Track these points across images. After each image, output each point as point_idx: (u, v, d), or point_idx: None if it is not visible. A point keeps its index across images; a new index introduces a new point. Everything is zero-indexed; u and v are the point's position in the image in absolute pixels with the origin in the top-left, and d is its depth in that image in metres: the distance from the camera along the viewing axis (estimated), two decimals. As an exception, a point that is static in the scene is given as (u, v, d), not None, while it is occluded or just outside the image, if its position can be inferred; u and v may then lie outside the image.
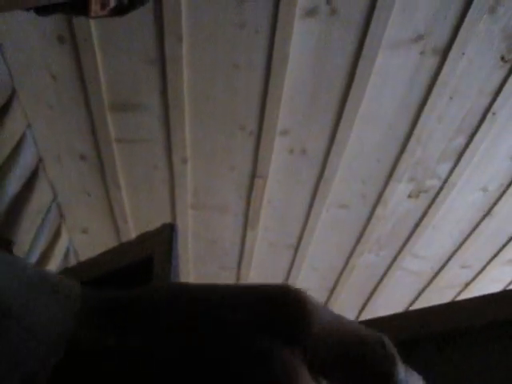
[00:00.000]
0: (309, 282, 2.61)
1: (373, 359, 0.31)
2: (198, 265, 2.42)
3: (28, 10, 0.78)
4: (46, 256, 1.91)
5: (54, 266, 1.97)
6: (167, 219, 2.01)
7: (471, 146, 1.86)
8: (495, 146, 1.88)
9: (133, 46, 1.48)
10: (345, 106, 1.66)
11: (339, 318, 0.32)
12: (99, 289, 0.35)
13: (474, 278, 2.70)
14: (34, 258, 1.79)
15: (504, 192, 2.10)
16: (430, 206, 2.15)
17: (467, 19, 1.45)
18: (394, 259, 2.50)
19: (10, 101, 1.56)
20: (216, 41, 1.47)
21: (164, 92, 1.60)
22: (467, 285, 2.76)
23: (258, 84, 1.59)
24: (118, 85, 1.59)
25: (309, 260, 2.43)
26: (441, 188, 2.06)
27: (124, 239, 2.12)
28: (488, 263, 2.57)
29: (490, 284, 2.73)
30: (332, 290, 2.71)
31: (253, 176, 1.91)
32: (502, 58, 1.57)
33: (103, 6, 0.79)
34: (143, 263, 1.28)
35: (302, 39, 1.47)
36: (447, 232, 2.33)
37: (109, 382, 0.30)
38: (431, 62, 1.57)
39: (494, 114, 1.74)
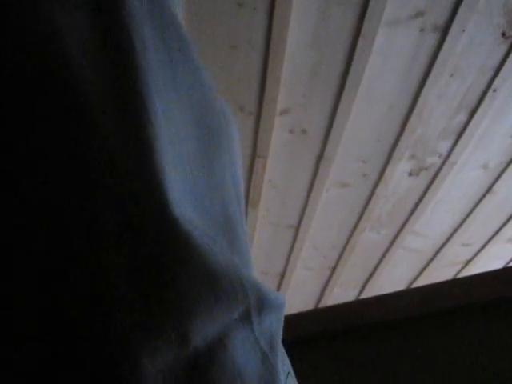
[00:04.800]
0: (310, 261, 2.62)
1: None
2: (200, 245, 2.42)
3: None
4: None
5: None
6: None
7: (472, 123, 1.85)
8: (496, 124, 1.88)
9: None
10: (345, 84, 1.65)
11: None
12: None
13: (474, 256, 2.71)
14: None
15: (505, 169, 2.10)
16: (430, 184, 2.15)
17: (467, -5, 1.43)
18: (395, 237, 2.51)
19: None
20: (214, 20, 1.46)
21: (163, 73, 1.59)
22: (468, 262, 2.77)
23: (257, 64, 1.58)
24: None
25: (310, 239, 2.44)
26: (441, 166, 2.05)
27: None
28: (489, 241, 2.58)
29: (490, 261, 2.73)
30: (333, 269, 2.72)
31: (253, 156, 1.91)
32: (503, 35, 1.56)
33: None
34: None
35: (300, 17, 1.46)
36: (448, 210, 2.34)
37: None
38: (431, 39, 1.56)
39: (494, 91, 1.73)
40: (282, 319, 0.37)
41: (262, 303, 0.33)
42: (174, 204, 0.27)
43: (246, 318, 0.31)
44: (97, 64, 0.28)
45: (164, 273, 0.26)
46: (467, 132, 1.89)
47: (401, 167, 2.04)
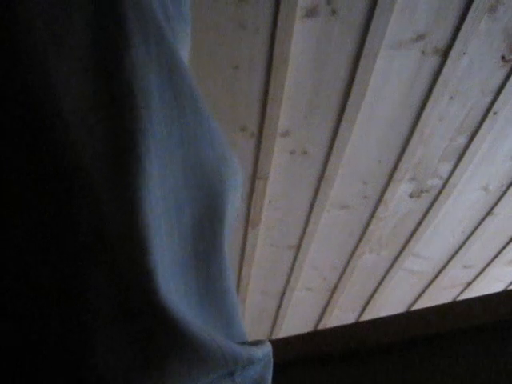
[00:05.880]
0: (310, 282, 2.61)
1: None
2: (200, 265, 2.41)
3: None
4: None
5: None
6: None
7: (472, 145, 1.86)
8: (496, 146, 1.88)
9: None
10: (346, 106, 1.66)
11: None
12: None
13: (475, 278, 2.70)
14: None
15: (505, 191, 2.10)
16: (431, 206, 2.15)
17: (468, 19, 1.44)
18: (396, 259, 2.50)
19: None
20: (216, 41, 1.47)
21: (165, 93, 1.60)
22: (469, 284, 2.76)
23: (258, 85, 1.59)
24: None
25: (310, 260, 2.43)
26: (442, 188, 2.06)
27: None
28: (490, 263, 2.57)
29: (491, 284, 2.72)
30: (333, 291, 2.71)
31: (254, 177, 1.91)
32: (503, 58, 1.57)
33: None
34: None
35: (302, 39, 1.47)
36: (449, 232, 2.33)
37: None
38: (432, 61, 1.57)
39: (495, 113, 1.74)
40: (270, 365, 0.36)
41: (250, 362, 0.32)
42: (163, 290, 0.26)
43: (228, 375, 0.31)
44: (91, 123, 0.26)
45: (155, 357, 0.26)
46: (468, 154, 1.89)
47: (401, 189, 2.04)
